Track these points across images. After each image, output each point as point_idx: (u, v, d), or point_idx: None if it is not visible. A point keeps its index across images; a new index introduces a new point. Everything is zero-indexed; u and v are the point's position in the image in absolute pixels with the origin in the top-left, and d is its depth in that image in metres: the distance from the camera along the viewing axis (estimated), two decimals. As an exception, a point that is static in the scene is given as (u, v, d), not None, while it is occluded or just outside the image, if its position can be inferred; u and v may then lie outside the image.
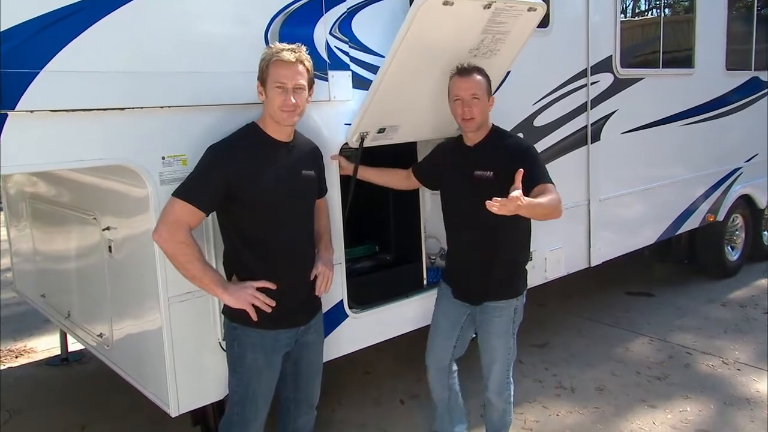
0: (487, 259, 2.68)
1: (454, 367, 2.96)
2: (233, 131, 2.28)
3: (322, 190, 2.54)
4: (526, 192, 2.36)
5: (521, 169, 2.33)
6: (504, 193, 2.31)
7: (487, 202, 2.19)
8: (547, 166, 2.63)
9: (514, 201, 2.17)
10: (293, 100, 2.18)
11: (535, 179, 2.47)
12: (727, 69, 5.27)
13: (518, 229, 2.68)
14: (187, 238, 2.12)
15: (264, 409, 2.34)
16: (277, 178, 2.24)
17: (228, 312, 2.29)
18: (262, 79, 2.21)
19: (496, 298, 2.70)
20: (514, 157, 2.55)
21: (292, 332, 2.35)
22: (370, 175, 2.99)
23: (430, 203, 3.49)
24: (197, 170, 2.19)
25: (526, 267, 2.81)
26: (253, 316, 2.21)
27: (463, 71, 2.61)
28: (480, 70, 2.63)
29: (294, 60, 2.17)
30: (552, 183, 2.51)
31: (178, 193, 2.15)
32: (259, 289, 2.22)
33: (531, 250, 2.85)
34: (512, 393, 2.88)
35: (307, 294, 2.40)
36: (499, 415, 2.88)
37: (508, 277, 2.72)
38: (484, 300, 2.72)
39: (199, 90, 2.33)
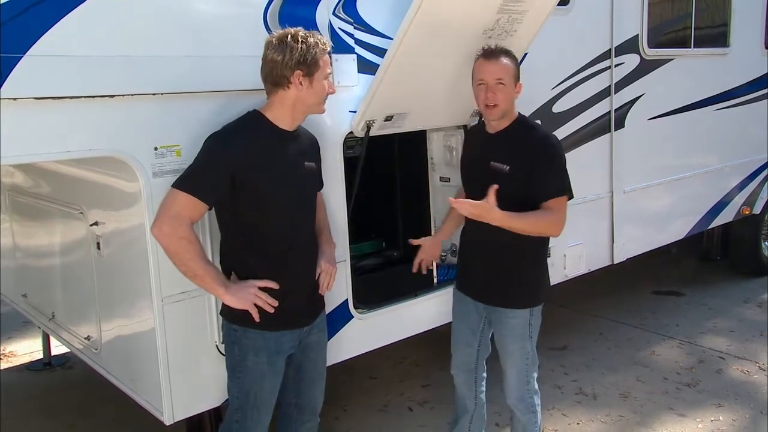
0: (498, 260, 2.68)
1: (484, 374, 2.98)
2: (233, 119, 2.31)
3: (320, 183, 2.60)
4: (535, 203, 2.50)
5: (495, 186, 2.38)
6: (517, 190, 2.48)
7: (450, 199, 2.42)
8: (566, 155, 2.65)
9: (484, 208, 2.36)
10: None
11: (547, 193, 2.53)
12: (766, 48, 5.27)
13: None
14: (189, 234, 2.15)
15: (266, 417, 2.40)
16: (284, 168, 2.29)
17: (228, 313, 2.33)
18: (309, 69, 2.23)
19: (506, 305, 2.70)
20: (534, 155, 2.57)
21: (296, 333, 2.40)
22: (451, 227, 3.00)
23: (440, 195, 3.52)
24: (199, 160, 2.21)
25: (544, 276, 2.78)
26: (256, 316, 2.25)
27: (490, 53, 2.58)
28: (508, 54, 2.60)
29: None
30: (565, 194, 2.57)
31: (180, 185, 2.17)
32: (261, 289, 2.26)
33: (549, 246, 2.86)
34: (537, 403, 2.82)
35: (311, 293, 2.45)
36: (523, 427, 2.82)
37: (522, 286, 2.70)
38: (495, 305, 2.74)
39: (195, 75, 2.36)
